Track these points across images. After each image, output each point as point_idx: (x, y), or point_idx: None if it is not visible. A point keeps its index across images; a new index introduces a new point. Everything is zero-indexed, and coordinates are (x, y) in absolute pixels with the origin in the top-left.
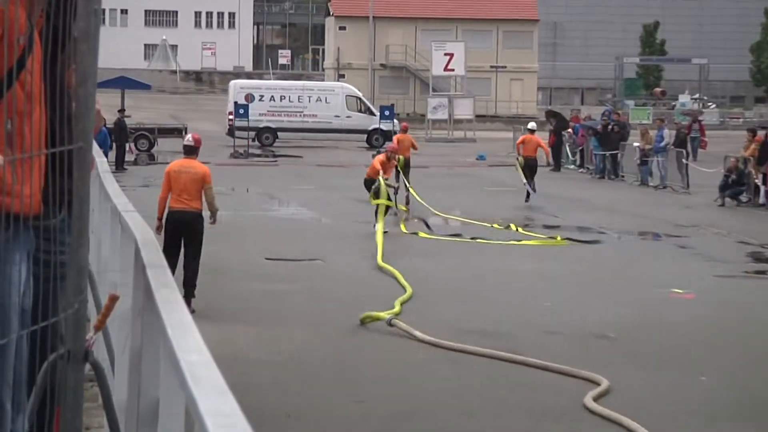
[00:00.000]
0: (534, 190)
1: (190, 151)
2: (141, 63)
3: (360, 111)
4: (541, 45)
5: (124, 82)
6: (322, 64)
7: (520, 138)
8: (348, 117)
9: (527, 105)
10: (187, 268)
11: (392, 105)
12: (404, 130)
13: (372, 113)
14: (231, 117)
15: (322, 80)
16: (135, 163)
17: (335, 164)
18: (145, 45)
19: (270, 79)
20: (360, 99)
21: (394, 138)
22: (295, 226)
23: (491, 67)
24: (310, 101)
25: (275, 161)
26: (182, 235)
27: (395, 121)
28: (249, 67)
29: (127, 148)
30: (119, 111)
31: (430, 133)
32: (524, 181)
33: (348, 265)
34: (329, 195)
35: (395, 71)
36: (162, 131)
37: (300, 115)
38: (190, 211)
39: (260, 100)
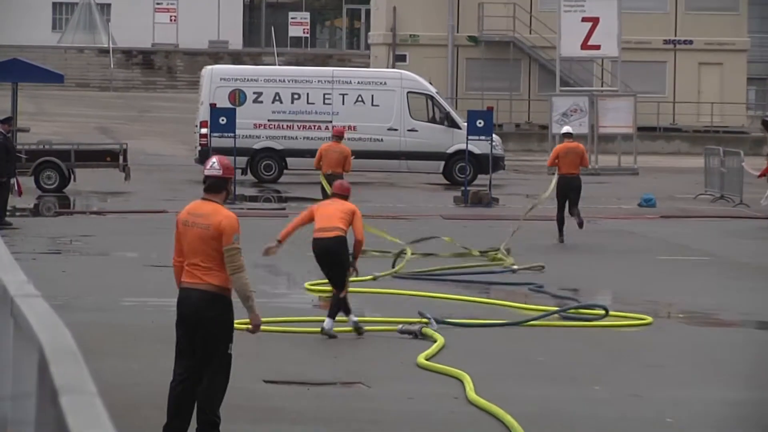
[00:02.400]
0: (580, 223)
1: (214, 186)
2: (48, 36)
3: (433, 120)
4: (753, 4)
5: (18, 70)
6: (366, 38)
7: (555, 149)
8: (411, 131)
9: (731, 109)
10: (201, 390)
11: (490, 109)
12: (338, 137)
13: (454, 123)
14: (204, 131)
15: (367, 66)
16: (36, 211)
17: (386, 214)
18: (54, 5)
19: (274, 65)
20: (432, 99)
21: (320, 150)
22: (316, 324)
23: (666, 42)
24: (344, 103)
25: (282, 209)
26: (192, 330)
27: (495, 137)
28: (237, 42)
29: (14, 186)
30: (3, 121)
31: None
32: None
33: (407, 392)
34: (373, 267)
35: (494, 50)
36: (84, 156)
37: (327, 128)
38: (197, 289)
39: (256, 101)
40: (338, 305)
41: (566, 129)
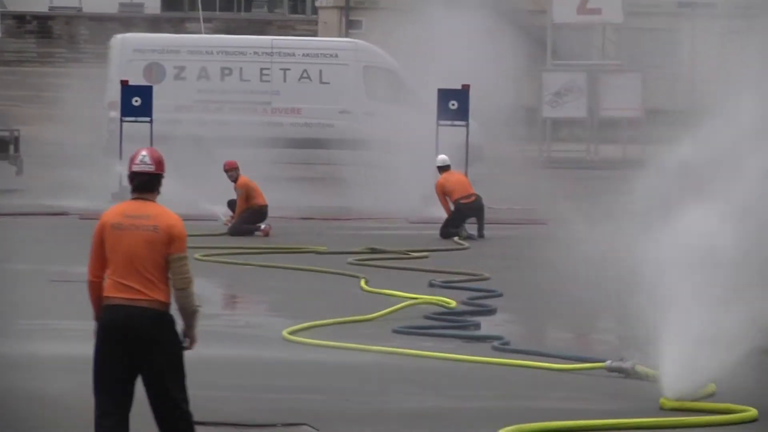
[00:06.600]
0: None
1: (146, 184)
2: None
3: (395, 101)
4: None
5: None
6: (313, 0)
7: (439, 182)
8: (369, 114)
9: None
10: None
11: (465, 88)
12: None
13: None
14: (114, 114)
15: (314, 34)
16: None
17: (339, 217)
18: None
19: (200, 33)
20: (395, 75)
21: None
22: (254, 349)
23: (681, 4)
24: (286, 79)
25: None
26: (130, 356)
27: (473, 123)
28: (154, 5)
29: None
30: None
31: (548, 150)
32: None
33: None
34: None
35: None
36: None
37: (266, 111)
38: (140, 308)
39: (178, 77)
40: None
41: (442, 160)
